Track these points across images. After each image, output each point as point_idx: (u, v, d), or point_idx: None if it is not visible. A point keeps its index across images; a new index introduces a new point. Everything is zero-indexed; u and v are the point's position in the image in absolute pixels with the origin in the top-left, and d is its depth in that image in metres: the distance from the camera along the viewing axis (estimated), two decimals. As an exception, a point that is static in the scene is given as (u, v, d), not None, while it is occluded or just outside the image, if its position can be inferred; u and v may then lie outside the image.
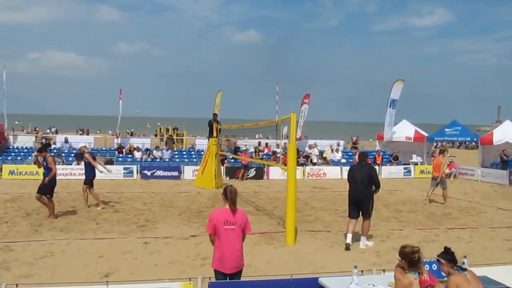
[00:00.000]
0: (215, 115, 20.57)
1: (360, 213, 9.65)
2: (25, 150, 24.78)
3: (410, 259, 4.80)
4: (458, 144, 47.72)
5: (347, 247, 9.47)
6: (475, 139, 27.05)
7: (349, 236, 9.57)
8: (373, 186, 9.59)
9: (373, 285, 5.24)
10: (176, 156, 25.41)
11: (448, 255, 5.00)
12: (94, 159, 14.35)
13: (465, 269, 5.00)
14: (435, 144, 31.39)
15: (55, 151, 24.63)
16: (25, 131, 52.81)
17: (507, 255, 9.20)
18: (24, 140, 27.26)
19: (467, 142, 42.71)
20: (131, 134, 50.65)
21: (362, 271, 5.79)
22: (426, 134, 27.00)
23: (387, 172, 24.03)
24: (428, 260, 5.81)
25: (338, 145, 27.97)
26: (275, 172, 22.16)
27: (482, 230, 11.52)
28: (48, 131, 52.82)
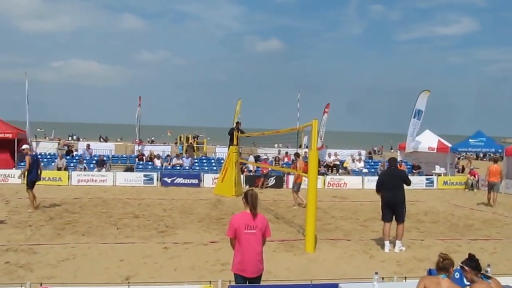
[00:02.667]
0: (237, 123, 20.61)
1: (394, 217, 9.99)
2: (48, 157, 25.19)
3: (437, 264, 4.87)
4: (482, 155, 46.84)
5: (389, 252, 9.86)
6: (500, 151, 26.50)
7: (387, 243, 9.97)
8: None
9: (395, 292, 5.17)
10: (196, 164, 25.56)
11: (472, 262, 4.92)
12: (34, 163, 14.23)
13: (489, 277, 4.91)
14: (459, 156, 30.83)
15: (77, 158, 25.05)
16: (47, 138, 53.81)
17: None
18: (47, 147, 27.76)
19: (491, 154, 41.88)
20: (152, 142, 51.13)
21: (383, 278, 5.72)
22: (449, 145, 26.51)
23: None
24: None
25: (360, 154, 27.76)
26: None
27: (506, 242, 11.31)
28: (70, 138, 53.74)
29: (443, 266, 4.84)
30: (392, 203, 9.98)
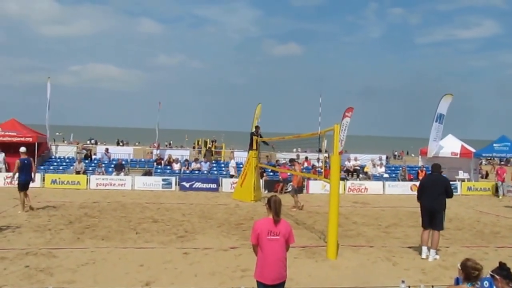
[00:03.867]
0: (257, 127, 20.48)
1: (431, 225, 9.80)
2: (67, 160, 25.43)
3: (468, 273, 4.63)
4: (506, 160, 45.95)
5: (424, 259, 9.68)
6: (526, 156, 25.93)
7: (425, 249, 9.79)
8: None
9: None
10: (215, 169, 25.49)
11: (503, 271, 4.75)
12: (24, 167, 14.33)
13: None
14: (481, 161, 30.18)
15: (95, 161, 25.21)
16: (66, 142, 54.43)
17: None
18: (66, 151, 28.03)
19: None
20: (169, 146, 51.32)
21: (409, 286, 5.51)
22: (473, 150, 25.95)
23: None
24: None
25: (381, 159, 27.36)
26: (315, 186, 21.89)
27: (535, 250, 10.93)
28: (88, 142, 54.26)
29: (475, 276, 4.61)
30: (431, 211, 9.77)
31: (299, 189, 15.92)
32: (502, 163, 26.64)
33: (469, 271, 4.63)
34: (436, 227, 9.74)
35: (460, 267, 4.73)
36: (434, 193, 9.70)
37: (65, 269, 8.18)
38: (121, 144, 56.33)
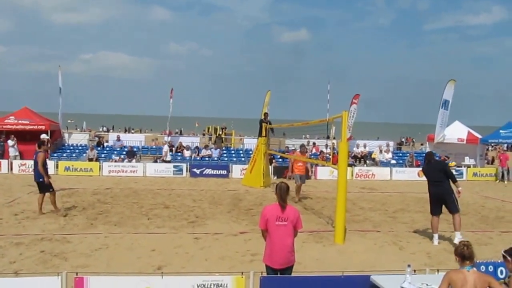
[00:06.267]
0: (265, 114, 20.63)
1: (447, 210, 9.87)
2: (80, 148, 25.80)
3: (459, 253, 4.69)
4: (510, 146, 45.78)
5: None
6: (531, 142, 25.93)
7: (436, 236, 9.93)
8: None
9: (427, 285, 5.11)
10: (225, 155, 25.72)
11: None
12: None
13: None
14: (488, 147, 30.21)
15: (107, 149, 25.57)
16: (78, 129, 54.98)
17: None
18: (79, 138, 28.40)
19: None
20: (180, 133, 51.64)
21: (415, 271, 5.68)
22: (479, 136, 25.98)
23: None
24: (483, 261, 5.66)
25: (388, 145, 27.45)
26: (323, 172, 22.04)
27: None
28: (100, 129, 54.77)
29: (469, 254, 4.62)
30: (439, 196, 9.84)
31: (301, 178, 15.16)
32: (505, 149, 26.52)
33: (462, 250, 4.67)
34: (452, 211, 9.77)
35: (455, 255, 4.77)
36: (438, 177, 9.80)
37: (79, 254, 8.44)
38: (132, 131, 56.72)
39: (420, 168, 22.02)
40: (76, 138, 28.41)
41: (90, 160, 22.66)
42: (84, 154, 23.59)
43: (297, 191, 15.11)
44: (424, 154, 25.15)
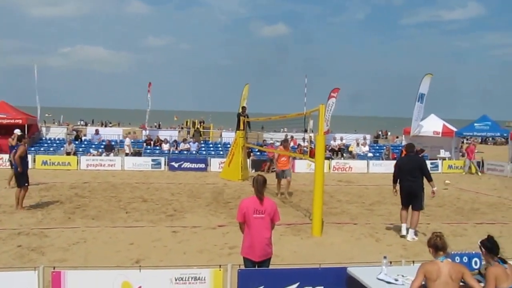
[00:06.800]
0: (243, 108, 20.66)
1: (410, 205, 9.76)
2: (57, 142, 25.50)
3: (431, 244, 4.85)
4: (485, 139, 46.91)
5: (403, 237, 9.74)
6: (505, 135, 26.65)
7: (404, 226, 9.83)
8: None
9: (403, 276, 5.21)
10: (203, 149, 25.68)
11: (488, 244, 4.96)
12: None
13: (505, 262, 4.93)
14: (463, 140, 30.96)
15: (85, 143, 25.31)
16: (56, 123, 54.16)
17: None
18: (56, 132, 28.04)
19: (496, 138, 41.99)
20: (159, 127, 51.31)
21: (391, 262, 5.79)
22: (454, 129, 26.48)
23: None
24: (458, 252, 5.80)
25: (365, 138, 27.78)
26: (300, 165, 22.18)
27: (512, 226, 11.39)
28: (78, 123, 54.05)
29: (442, 244, 4.79)
30: (409, 193, 9.70)
31: (286, 173, 14.62)
32: (470, 142, 27.23)
33: (435, 241, 4.83)
34: (415, 208, 9.72)
35: (428, 246, 4.94)
36: (411, 174, 9.59)
37: (57, 248, 8.38)
38: (110, 125, 56.10)
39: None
40: (54, 132, 28.05)
41: (68, 154, 22.40)
42: (62, 148, 23.34)
43: (278, 186, 14.87)
44: (401, 147, 25.73)
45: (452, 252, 5.55)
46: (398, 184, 9.88)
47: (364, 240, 9.71)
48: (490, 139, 45.60)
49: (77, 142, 24.97)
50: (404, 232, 9.83)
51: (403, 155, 21.50)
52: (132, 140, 27.80)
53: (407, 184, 9.69)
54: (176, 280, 5.42)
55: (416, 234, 9.83)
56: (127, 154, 23.10)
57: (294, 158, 21.97)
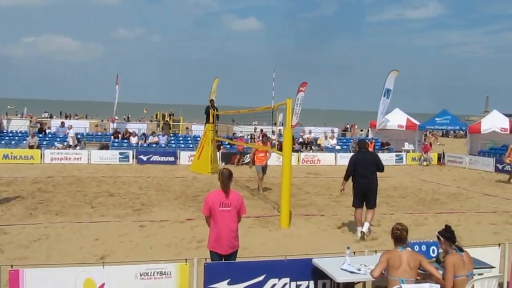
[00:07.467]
0: (211, 101, 20.58)
1: (365, 203, 9.25)
2: (20, 135, 24.73)
3: (393, 234, 5.02)
4: (446, 132, 48.38)
5: (362, 237, 9.08)
6: (464, 128, 27.69)
7: (359, 229, 9.23)
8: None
9: (365, 265, 5.33)
10: (172, 142, 25.45)
11: (447, 233, 5.11)
12: None
13: (462, 250, 5.11)
14: (426, 133, 32.02)
15: (50, 135, 24.67)
16: (18, 115, 52.77)
17: (492, 237, 9.44)
18: (19, 124, 27.29)
19: (455, 131, 43.42)
20: (128, 120, 50.56)
21: (354, 252, 5.88)
22: (417, 123, 27.47)
23: (379, 159, 24.22)
24: (417, 241, 5.91)
25: (333, 132, 28.16)
26: (270, 158, 22.21)
27: (469, 215, 11.86)
28: (43, 116, 52.77)
29: (400, 237, 4.95)
30: (366, 190, 9.15)
31: (263, 169, 14.29)
32: (426, 141, 28.33)
33: (393, 232, 5.01)
34: (371, 206, 9.22)
35: (391, 237, 5.07)
36: (369, 170, 9.09)
37: (17, 246, 8.14)
38: (76, 117, 54.97)
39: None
40: (16, 124, 27.31)
41: (31, 147, 21.77)
42: (24, 141, 22.65)
43: (260, 182, 14.51)
44: (366, 140, 26.11)
45: (412, 241, 5.68)
46: (346, 182, 9.40)
47: (331, 231, 9.84)
48: (452, 132, 46.96)
49: (40, 135, 24.30)
50: (360, 234, 9.17)
51: (371, 147, 21.77)
52: (99, 133, 27.33)
53: (364, 181, 9.12)
54: (141, 275, 5.32)
55: (368, 229, 9.31)
56: (69, 147, 22.42)
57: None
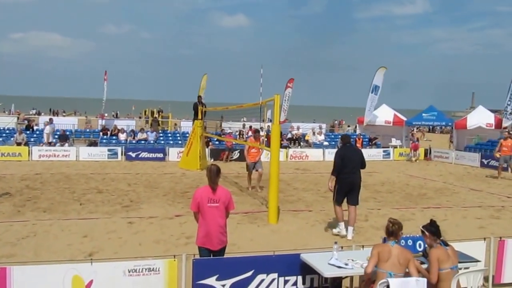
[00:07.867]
0: (199, 97, 20.59)
1: (347, 200, 8.99)
2: (7, 131, 24.52)
3: (387, 229, 5.08)
4: (432, 128, 48.89)
5: (344, 237, 8.86)
6: (450, 124, 28.02)
7: (342, 225, 9.07)
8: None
9: (352, 260, 5.40)
10: (161, 138, 25.40)
11: (432, 228, 5.18)
12: None
13: (447, 244, 5.20)
14: (412, 128, 32.39)
15: (38, 132, 24.48)
16: (6, 112, 52.22)
17: (478, 232, 9.55)
18: (6, 121, 27.04)
19: (442, 127, 43.93)
20: (116, 116, 50.30)
21: (342, 247, 5.95)
22: (404, 119, 27.80)
23: (367, 155, 23.68)
24: (403, 236, 6.00)
25: (321, 128, 28.35)
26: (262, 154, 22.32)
27: (456, 209, 12.00)
28: (30, 112, 52.24)
29: (392, 231, 5.03)
30: (353, 185, 8.91)
31: (256, 165, 14.03)
32: (414, 139, 28.63)
33: (388, 226, 5.07)
34: (354, 202, 8.96)
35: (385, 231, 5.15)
36: (356, 165, 8.86)
37: (4, 243, 8.09)
38: (64, 114, 54.53)
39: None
40: (4, 121, 27.07)
41: (18, 144, 21.61)
42: (12, 138, 22.48)
43: (249, 179, 14.40)
44: (354, 136, 26.36)
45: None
46: (335, 177, 8.97)
47: (319, 226, 9.90)
48: (438, 127, 47.47)
49: (28, 132, 24.13)
50: (344, 231, 9.00)
51: (359, 143, 21.84)
52: (87, 130, 27.17)
53: (350, 177, 8.84)
54: (129, 272, 5.35)
55: (353, 232, 9.03)
56: (50, 144, 22.19)
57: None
